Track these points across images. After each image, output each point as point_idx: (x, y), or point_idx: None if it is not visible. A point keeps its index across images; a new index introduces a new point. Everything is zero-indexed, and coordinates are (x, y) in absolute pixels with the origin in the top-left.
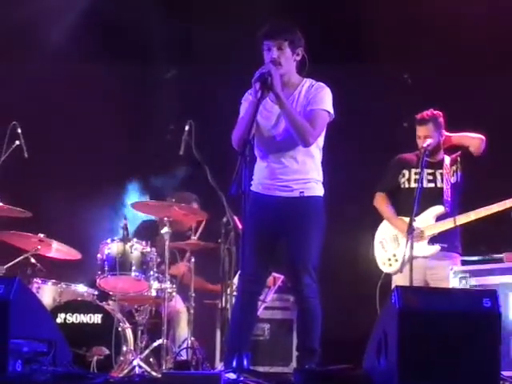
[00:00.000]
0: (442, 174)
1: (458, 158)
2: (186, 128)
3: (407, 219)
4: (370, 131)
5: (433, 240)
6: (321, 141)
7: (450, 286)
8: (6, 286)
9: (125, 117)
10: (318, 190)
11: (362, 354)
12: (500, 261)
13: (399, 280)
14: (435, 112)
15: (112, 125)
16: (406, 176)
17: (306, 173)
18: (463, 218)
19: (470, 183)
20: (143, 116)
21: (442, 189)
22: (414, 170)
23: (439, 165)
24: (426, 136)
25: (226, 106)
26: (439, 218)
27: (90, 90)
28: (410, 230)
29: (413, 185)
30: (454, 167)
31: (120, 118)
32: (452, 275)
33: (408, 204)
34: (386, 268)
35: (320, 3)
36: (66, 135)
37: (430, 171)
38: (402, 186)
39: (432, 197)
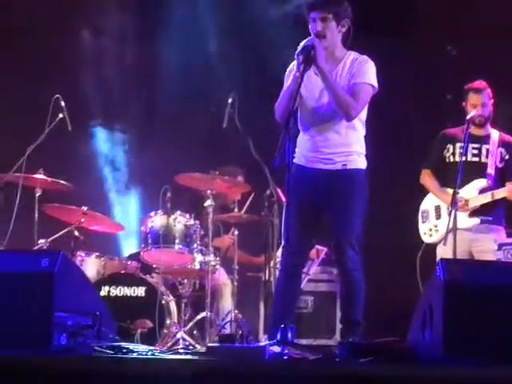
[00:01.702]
0: (487, 150)
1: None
2: (230, 101)
3: (451, 191)
4: (413, 104)
5: (475, 212)
6: (364, 114)
7: (495, 259)
8: (51, 259)
9: (169, 90)
10: (361, 163)
11: (407, 326)
12: None
13: (443, 252)
14: (486, 84)
15: (155, 98)
16: (451, 150)
17: (349, 146)
18: (502, 192)
19: None
20: (187, 88)
21: (486, 164)
22: (458, 144)
23: (486, 139)
24: (483, 104)
25: (270, 78)
26: (482, 191)
27: (136, 63)
28: (454, 203)
29: (457, 158)
30: (504, 150)
31: (165, 90)
32: (496, 248)
33: (453, 177)
34: (426, 238)
35: None
36: (110, 108)
37: (476, 146)
38: (447, 161)
39: (476, 170)
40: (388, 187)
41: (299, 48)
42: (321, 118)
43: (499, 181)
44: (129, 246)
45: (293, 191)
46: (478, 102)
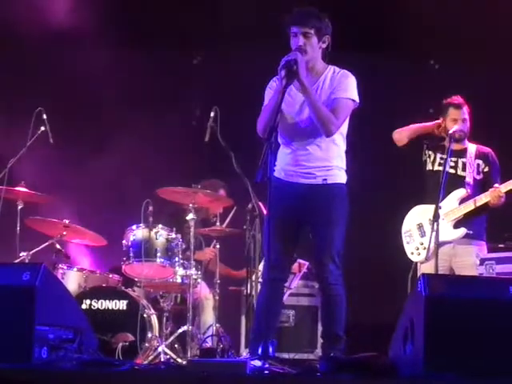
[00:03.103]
0: (464, 163)
1: (489, 157)
2: (212, 114)
3: (431, 206)
4: (395, 118)
5: (459, 224)
6: (345, 128)
7: (477, 274)
8: (32, 273)
9: (150, 102)
10: (341, 178)
11: (388, 341)
12: None
13: (425, 268)
14: (464, 101)
15: (137, 111)
16: (432, 157)
17: (329, 160)
18: (484, 198)
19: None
20: (169, 102)
21: (463, 176)
22: (438, 155)
23: (463, 153)
24: (463, 119)
25: (252, 93)
26: (462, 201)
27: (114, 76)
28: (436, 217)
29: (436, 167)
30: (481, 162)
31: (146, 103)
32: (478, 263)
33: (431, 189)
34: (415, 257)
35: None
36: (91, 121)
37: (453, 159)
38: (427, 168)
39: (453, 183)
40: (372, 203)
41: (281, 62)
42: (301, 132)
43: (478, 191)
44: (110, 259)
45: (273, 205)
46: (459, 117)
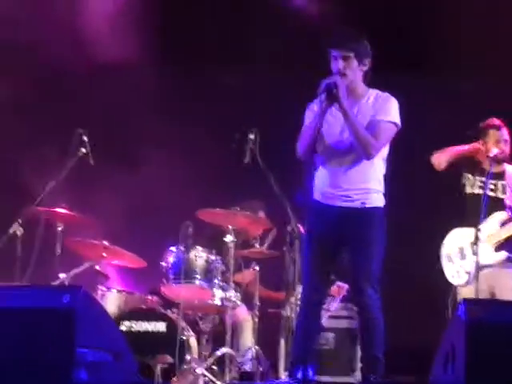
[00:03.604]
0: (503, 185)
1: None
2: (251, 136)
3: (471, 229)
4: (432, 140)
5: (500, 247)
6: (385, 152)
7: None
8: (72, 295)
9: (189, 124)
10: (379, 201)
11: (428, 365)
12: None
13: (465, 291)
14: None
15: (177, 132)
16: (471, 181)
17: (368, 183)
18: None
19: None
20: (208, 124)
21: (502, 199)
22: (478, 178)
23: (501, 175)
24: (505, 140)
25: (291, 114)
26: (504, 224)
27: (153, 99)
28: (476, 240)
29: (476, 190)
30: None
31: (185, 125)
32: None
33: (471, 212)
34: (455, 281)
35: (382, 13)
36: (130, 143)
37: (493, 181)
38: (466, 191)
39: (494, 205)
40: (410, 226)
41: (322, 86)
42: (341, 154)
43: None
44: (149, 280)
45: (311, 228)
46: (500, 138)
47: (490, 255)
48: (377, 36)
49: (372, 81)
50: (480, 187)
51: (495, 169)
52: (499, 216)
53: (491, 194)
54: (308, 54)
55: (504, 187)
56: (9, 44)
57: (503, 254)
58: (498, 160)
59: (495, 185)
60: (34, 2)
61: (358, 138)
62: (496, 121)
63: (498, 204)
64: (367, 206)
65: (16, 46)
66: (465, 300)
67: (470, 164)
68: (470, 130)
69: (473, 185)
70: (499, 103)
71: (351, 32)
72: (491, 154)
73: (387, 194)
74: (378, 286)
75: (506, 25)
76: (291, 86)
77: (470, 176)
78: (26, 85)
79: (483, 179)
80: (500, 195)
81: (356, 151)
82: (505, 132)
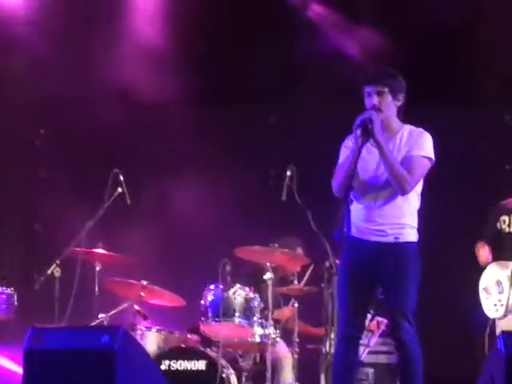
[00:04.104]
0: None
1: None
2: (288, 173)
3: (509, 263)
4: (472, 175)
5: None
6: (420, 187)
7: None
8: (111, 335)
9: (226, 161)
10: (413, 236)
11: None
12: None
13: (503, 324)
14: None
15: (214, 169)
16: (507, 222)
17: (402, 218)
18: None
19: None
20: (245, 160)
21: None
22: None
23: None
24: None
25: (328, 150)
26: None
27: (190, 135)
28: None
29: None
30: None
31: (222, 162)
32: None
33: (509, 249)
34: (492, 314)
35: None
36: (167, 180)
37: None
38: (503, 232)
39: None
40: (445, 260)
41: (357, 121)
42: (376, 189)
43: None
44: (188, 318)
45: (345, 263)
46: None
47: None
48: (413, 68)
49: (407, 114)
50: None
51: None
52: None
53: None
54: (343, 88)
55: None
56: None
57: None
58: None
59: None
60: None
61: (393, 174)
62: None
63: None
64: (400, 240)
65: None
66: (504, 332)
67: (505, 207)
68: (509, 165)
69: (509, 225)
70: None
71: (385, 68)
72: None
73: (423, 229)
74: (414, 321)
75: None
76: (327, 121)
77: (505, 218)
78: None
79: None
80: None
81: (391, 187)
82: None
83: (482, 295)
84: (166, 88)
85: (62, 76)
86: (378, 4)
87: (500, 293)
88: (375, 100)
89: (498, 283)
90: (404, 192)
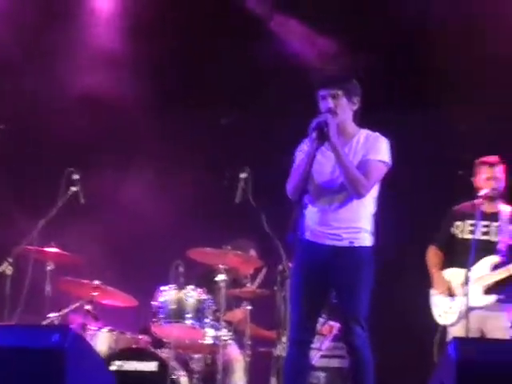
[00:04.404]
0: (497, 227)
1: None
2: (243, 175)
3: (462, 270)
4: (426, 180)
5: (490, 290)
6: (375, 191)
7: (508, 337)
8: (62, 335)
9: (180, 163)
10: (368, 241)
11: None
12: None
13: (454, 331)
14: (499, 159)
15: (167, 171)
16: (460, 227)
17: (357, 222)
18: None
19: None
20: (199, 163)
21: (495, 242)
22: (468, 222)
23: (495, 216)
24: (496, 178)
25: (283, 153)
26: (495, 268)
27: (143, 137)
28: (466, 281)
29: (466, 236)
30: None
31: (175, 164)
32: (509, 325)
33: (462, 255)
34: (442, 320)
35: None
36: (120, 181)
37: (485, 223)
38: (457, 237)
39: (486, 248)
40: (400, 265)
41: (312, 125)
42: (331, 193)
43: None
44: (140, 319)
45: (299, 266)
46: (492, 175)
47: (479, 298)
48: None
49: (363, 119)
50: (470, 232)
51: (488, 209)
52: (491, 260)
53: (483, 237)
54: (300, 91)
55: (498, 229)
56: None
57: (493, 298)
58: (489, 197)
59: (488, 226)
60: None
61: (348, 177)
62: (490, 158)
63: (490, 247)
64: (355, 244)
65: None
66: (455, 339)
67: (459, 211)
68: (462, 170)
69: (463, 230)
70: (494, 142)
71: (339, 71)
72: (481, 193)
73: (376, 233)
74: (367, 325)
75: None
76: (284, 126)
77: (459, 223)
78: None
79: (473, 222)
80: (493, 238)
81: (346, 190)
82: (498, 169)
83: (433, 301)
84: (125, 90)
85: (19, 76)
86: (339, 11)
87: (452, 300)
88: (330, 103)
89: (451, 290)
90: (360, 196)
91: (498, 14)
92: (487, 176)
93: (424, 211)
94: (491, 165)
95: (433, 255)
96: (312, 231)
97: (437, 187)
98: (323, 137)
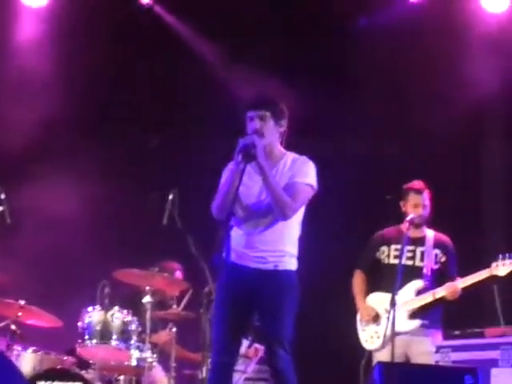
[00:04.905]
0: (422, 252)
1: (447, 247)
2: (170, 197)
3: (387, 295)
4: (353, 205)
5: (414, 315)
6: (301, 214)
7: (432, 362)
8: None
9: (108, 184)
10: (292, 265)
11: None
12: (481, 336)
13: (380, 356)
14: (425, 186)
15: (95, 192)
16: (386, 252)
17: (282, 245)
18: (441, 291)
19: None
20: (126, 184)
21: (420, 267)
22: (393, 246)
23: (421, 241)
24: (423, 205)
25: (209, 175)
26: (419, 293)
27: (71, 160)
28: (392, 306)
29: (392, 261)
30: (439, 252)
31: (104, 185)
32: (433, 350)
33: (387, 280)
34: (368, 345)
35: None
36: (49, 201)
37: (411, 248)
38: (382, 263)
39: (411, 273)
40: (325, 289)
41: (239, 145)
42: (257, 216)
43: (436, 281)
44: (66, 340)
45: (223, 288)
46: (419, 202)
47: (404, 323)
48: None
49: (290, 143)
50: (395, 257)
51: (414, 234)
52: (415, 284)
53: (408, 262)
54: (227, 114)
55: (422, 254)
56: None
57: (417, 323)
58: (415, 223)
59: (413, 251)
60: None
61: (275, 198)
62: (417, 184)
63: (415, 272)
64: (280, 268)
65: None
66: (379, 363)
67: (385, 236)
68: (390, 195)
69: (388, 255)
70: (422, 168)
71: (267, 93)
72: (408, 218)
73: (301, 257)
74: (290, 349)
75: None
76: (210, 146)
77: (385, 248)
78: None
79: (399, 246)
80: (418, 263)
81: (272, 213)
82: (425, 196)
83: (359, 326)
84: (53, 112)
85: None
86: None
87: (377, 325)
88: (257, 124)
89: (376, 315)
90: (285, 217)
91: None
92: (414, 203)
93: (349, 236)
94: (418, 191)
95: (358, 281)
96: (237, 253)
97: (365, 212)
98: (250, 158)
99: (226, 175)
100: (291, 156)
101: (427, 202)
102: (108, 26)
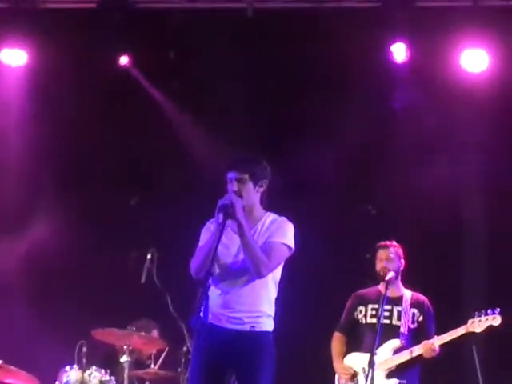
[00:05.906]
0: (399, 312)
1: (424, 306)
2: (149, 256)
3: (365, 355)
4: (332, 265)
5: (392, 373)
6: (278, 275)
7: None
8: None
9: (86, 245)
10: (269, 325)
11: None
12: None
13: None
14: (395, 243)
15: (73, 252)
16: (363, 312)
17: (259, 306)
18: (418, 350)
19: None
20: (105, 243)
21: (397, 326)
22: (370, 306)
23: (398, 300)
24: (387, 258)
25: (188, 235)
26: (396, 352)
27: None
28: (371, 365)
29: (369, 320)
30: (416, 311)
31: (82, 246)
32: None
33: (365, 339)
34: None
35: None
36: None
37: (388, 307)
38: (360, 322)
39: (388, 333)
40: (303, 350)
41: (218, 205)
42: (235, 276)
43: (413, 340)
44: None
45: (199, 349)
46: (384, 256)
47: (381, 382)
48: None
49: (270, 204)
50: (373, 316)
51: (392, 294)
52: (392, 344)
53: (386, 321)
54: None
55: (399, 314)
56: None
57: (394, 382)
58: (389, 283)
59: (390, 311)
60: None
61: (251, 256)
62: (385, 241)
63: (392, 331)
64: (256, 329)
65: None
66: None
67: (361, 297)
68: (369, 254)
69: (365, 315)
70: (401, 226)
71: (248, 155)
72: (387, 278)
73: (280, 318)
74: None
75: None
76: (189, 205)
77: (361, 308)
78: None
79: (376, 306)
80: (395, 322)
81: (249, 274)
82: (391, 250)
83: None
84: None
85: None
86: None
87: None
88: (235, 186)
89: (354, 374)
90: (260, 275)
91: None
92: (380, 257)
93: (331, 295)
94: (384, 247)
95: (335, 343)
96: (214, 314)
97: (344, 271)
98: (229, 217)
99: (205, 235)
100: (270, 217)
101: (393, 256)
102: (86, 84)
